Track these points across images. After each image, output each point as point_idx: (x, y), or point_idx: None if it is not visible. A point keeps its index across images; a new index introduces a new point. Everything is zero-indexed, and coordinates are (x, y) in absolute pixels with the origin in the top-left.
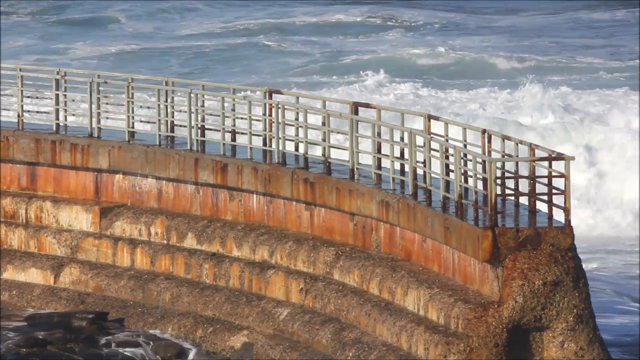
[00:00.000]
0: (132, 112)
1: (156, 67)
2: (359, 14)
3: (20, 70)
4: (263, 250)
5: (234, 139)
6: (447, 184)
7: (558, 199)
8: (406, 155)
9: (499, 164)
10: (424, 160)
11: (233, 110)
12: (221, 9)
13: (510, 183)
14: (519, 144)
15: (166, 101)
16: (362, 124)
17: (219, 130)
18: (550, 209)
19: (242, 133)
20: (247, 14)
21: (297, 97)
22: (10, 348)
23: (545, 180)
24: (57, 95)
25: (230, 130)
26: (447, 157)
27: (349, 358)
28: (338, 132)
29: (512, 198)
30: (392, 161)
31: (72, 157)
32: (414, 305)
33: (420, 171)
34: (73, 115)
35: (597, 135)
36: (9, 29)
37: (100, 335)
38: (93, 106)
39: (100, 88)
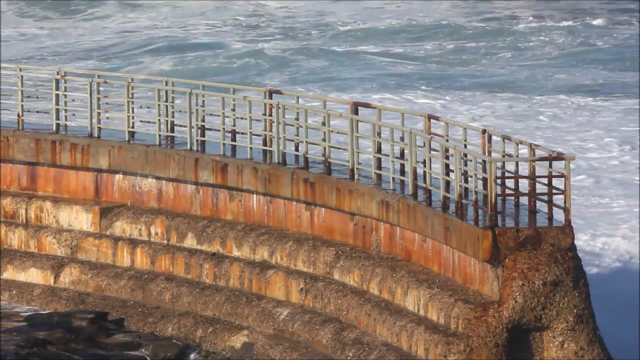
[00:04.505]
0: (132, 112)
1: None
2: None
3: (20, 70)
4: (263, 250)
5: (234, 139)
6: (447, 184)
7: (558, 199)
8: (406, 155)
9: (499, 164)
10: (424, 160)
11: (233, 110)
12: None
13: (510, 183)
14: (519, 144)
15: (166, 101)
16: (362, 123)
17: (219, 130)
18: (550, 209)
19: (242, 133)
20: None
21: (297, 97)
22: (10, 348)
23: (545, 180)
24: (57, 95)
25: (230, 130)
26: (447, 157)
27: (349, 358)
28: (338, 132)
29: (512, 198)
30: (392, 161)
31: (72, 157)
32: (414, 305)
33: (420, 171)
34: (73, 115)
35: None
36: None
37: (100, 335)
38: (93, 106)
39: (100, 88)
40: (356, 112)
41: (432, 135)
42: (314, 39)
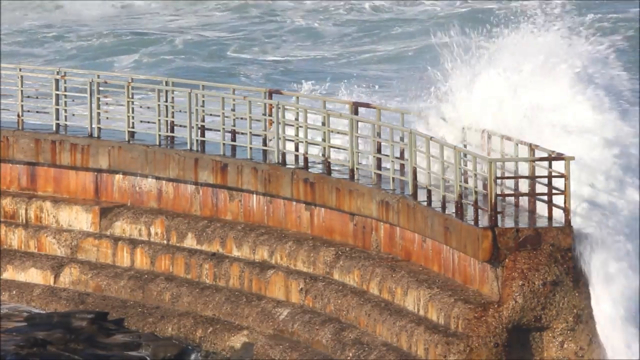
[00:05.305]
0: (132, 112)
1: None
2: None
3: (20, 70)
4: (263, 250)
5: (234, 139)
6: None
7: (558, 199)
8: (406, 155)
9: (499, 164)
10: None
11: (233, 110)
12: None
13: (510, 183)
14: (519, 144)
15: (166, 101)
16: (362, 123)
17: (219, 130)
18: (550, 209)
19: (242, 133)
20: None
21: (297, 97)
22: (10, 348)
23: (545, 180)
24: (57, 95)
25: (230, 130)
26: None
27: (349, 358)
28: (338, 132)
29: (512, 198)
30: (392, 161)
31: (72, 157)
32: (413, 305)
33: (420, 171)
34: (73, 115)
35: None
36: None
37: (100, 335)
38: (93, 106)
39: (100, 88)
40: (356, 112)
41: (432, 136)
42: (308, 30)
